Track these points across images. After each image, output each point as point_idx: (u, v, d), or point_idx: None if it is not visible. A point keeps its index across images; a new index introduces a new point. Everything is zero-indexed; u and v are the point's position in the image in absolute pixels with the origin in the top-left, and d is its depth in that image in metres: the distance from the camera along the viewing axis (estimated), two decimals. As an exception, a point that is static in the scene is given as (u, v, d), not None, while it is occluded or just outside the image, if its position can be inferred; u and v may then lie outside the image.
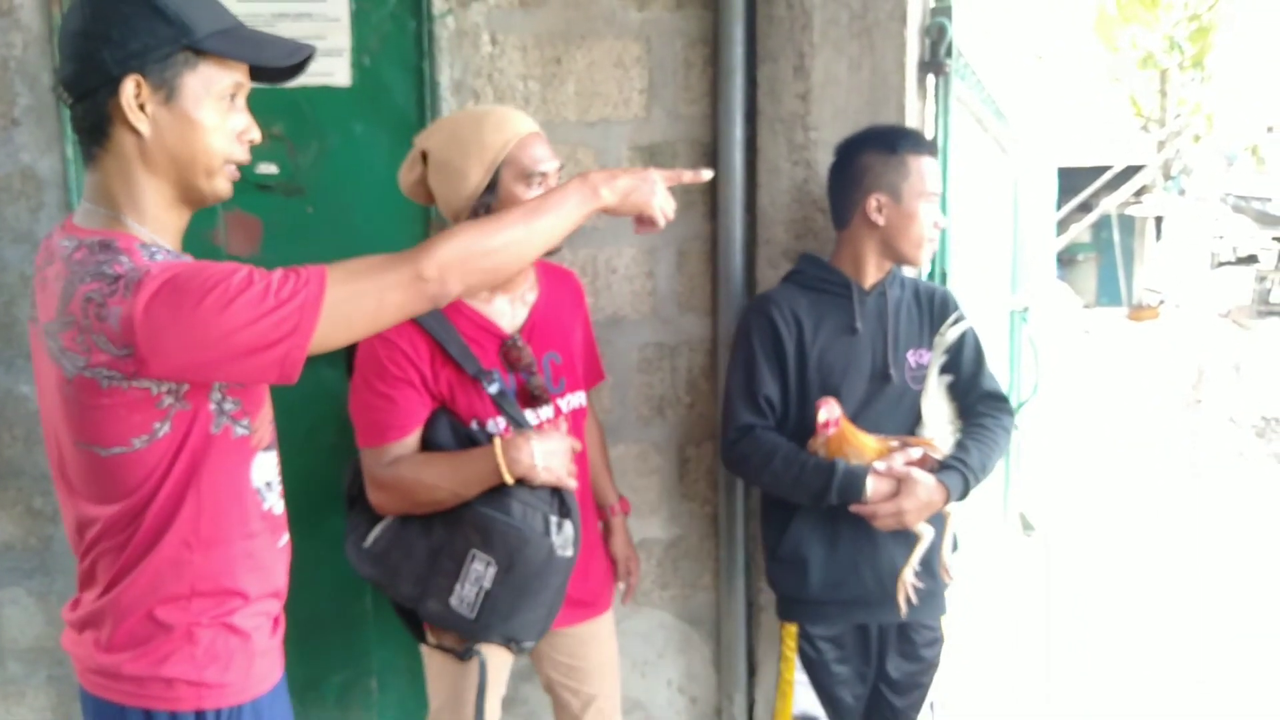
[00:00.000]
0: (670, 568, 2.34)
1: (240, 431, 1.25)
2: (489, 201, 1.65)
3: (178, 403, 1.18)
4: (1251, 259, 16.85)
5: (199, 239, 2.01)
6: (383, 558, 1.72)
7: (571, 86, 2.20)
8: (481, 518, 1.63)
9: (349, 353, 1.75)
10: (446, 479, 1.64)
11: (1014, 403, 4.21)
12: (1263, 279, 16.27)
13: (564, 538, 1.68)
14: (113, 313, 1.10)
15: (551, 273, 1.89)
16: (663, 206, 1.48)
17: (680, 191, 2.22)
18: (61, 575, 2.26)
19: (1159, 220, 17.05)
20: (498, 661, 1.81)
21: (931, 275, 2.26)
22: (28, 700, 2.31)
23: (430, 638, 1.80)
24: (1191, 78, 15.52)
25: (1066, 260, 16.65)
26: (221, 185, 1.26)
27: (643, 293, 2.24)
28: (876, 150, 1.85)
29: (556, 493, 1.68)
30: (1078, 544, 4.97)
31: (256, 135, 1.27)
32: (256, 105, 1.27)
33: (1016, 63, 4.48)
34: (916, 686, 1.95)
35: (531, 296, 1.80)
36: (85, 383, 1.14)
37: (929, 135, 2.21)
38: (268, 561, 1.32)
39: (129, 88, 1.16)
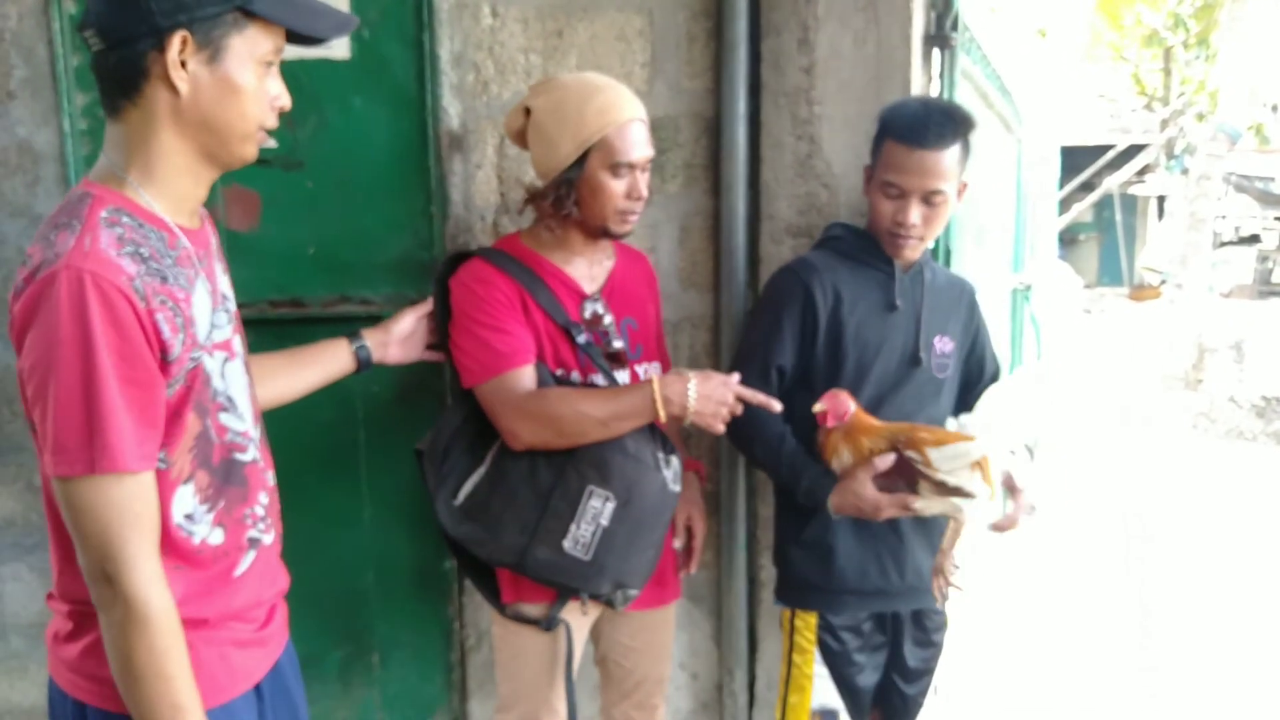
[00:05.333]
0: (671, 545, 2.34)
1: (158, 465, 1.17)
2: (572, 177, 1.69)
3: None
4: (1254, 239, 16.81)
5: (197, 213, 2.00)
6: (480, 511, 1.70)
7: (573, 60, 2.17)
8: (597, 452, 1.65)
9: (442, 304, 1.80)
10: (599, 409, 1.63)
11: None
12: (1265, 259, 16.22)
13: (673, 472, 1.72)
14: (18, 286, 1.09)
15: (626, 250, 1.93)
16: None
17: (683, 167, 2.21)
18: (62, 551, 2.26)
19: (1161, 199, 16.99)
20: (575, 640, 1.82)
21: (935, 252, 2.24)
22: (30, 675, 2.32)
23: (509, 610, 1.79)
24: (1196, 55, 15.42)
25: (1068, 239, 16.62)
26: (251, 150, 1.22)
27: (645, 269, 2.22)
28: (880, 121, 1.80)
29: (658, 432, 1.71)
30: (1079, 524, 4.98)
31: (287, 102, 1.24)
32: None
33: (1021, 39, 4.45)
34: (927, 672, 1.94)
35: (609, 263, 1.85)
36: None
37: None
38: (212, 588, 1.24)
39: (175, 44, 1.11)
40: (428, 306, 1.82)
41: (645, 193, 1.73)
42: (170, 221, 1.18)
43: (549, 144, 1.70)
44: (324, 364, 1.72)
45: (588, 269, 1.81)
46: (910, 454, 1.65)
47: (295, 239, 2.18)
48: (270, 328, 2.17)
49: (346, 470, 2.26)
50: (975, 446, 1.62)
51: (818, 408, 1.69)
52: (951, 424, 1.84)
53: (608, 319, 1.78)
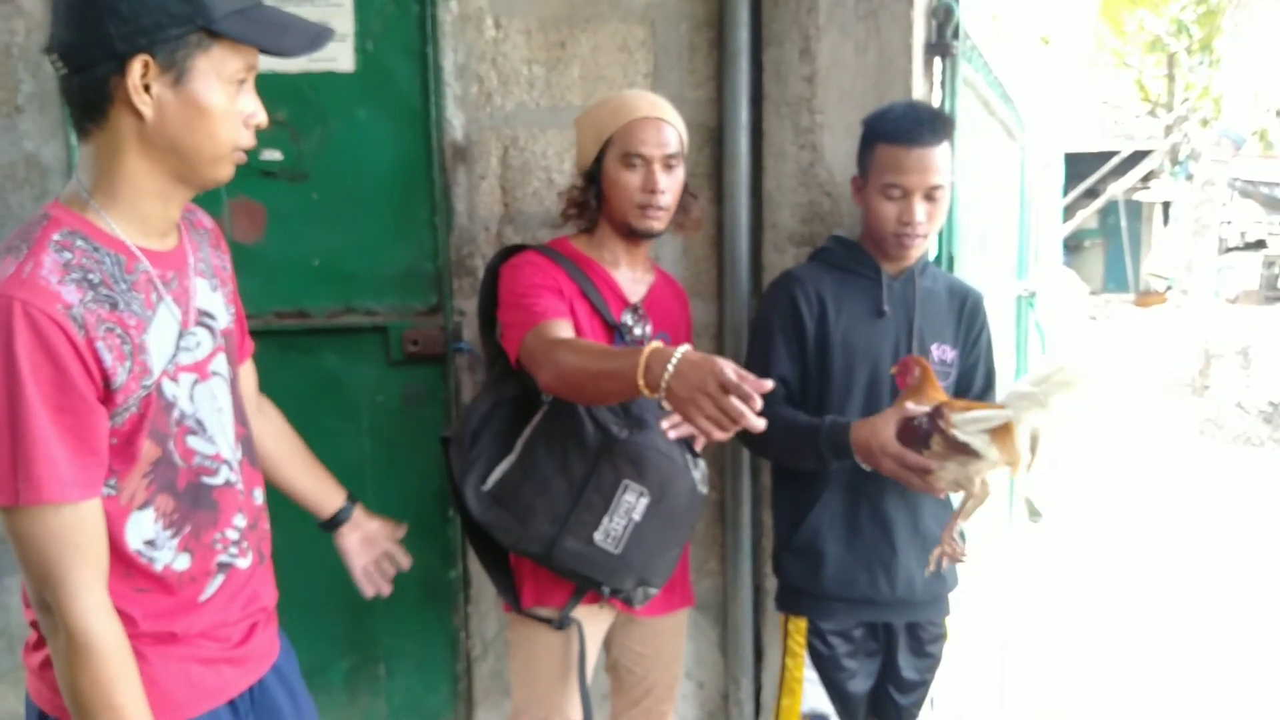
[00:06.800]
0: (676, 553, 2.34)
1: (105, 492, 1.14)
2: (594, 173, 1.81)
3: None
4: (1260, 244, 16.78)
5: (203, 225, 2.01)
6: (511, 498, 1.71)
7: (576, 70, 2.18)
8: (634, 448, 1.67)
9: (488, 294, 1.85)
10: (593, 364, 1.52)
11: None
12: (1271, 264, 16.20)
13: (701, 474, 1.76)
14: None
15: (664, 274, 1.98)
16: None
17: (686, 177, 2.21)
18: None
19: (1166, 206, 16.98)
20: (589, 642, 1.82)
21: (939, 260, 2.24)
22: (37, 686, 2.32)
23: (527, 610, 1.81)
24: (1199, 61, 15.41)
25: (1073, 246, 16.61)
26: (224, 171, 1.19)
27: (648, 278, 2.22)
28: (865, 129, 1.81)
29: (684, 440, 1.74)
30: (1084, 530, 4.97)
31: (263, 119, 1.20)
32: (259, 91, 1.23)
33: (1023, 46, 4.45)
34: (922, 684, 1.92)
35: (650, 279, 1.89)
36: None
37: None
38: (177, 611, 1.22)
39: (136, 68, 1.08)
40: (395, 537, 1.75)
41: (663, 188, 1.76)
42: (132, 245, 1.15)
43: (580, 149, 1.85)
44: (319, 486, 1.65)
45: (631, 280, 1.86)
46: (935, 408, 1.59)
47: (300, 250, 2.19)
48: (275, 338, 2.18)
49: (351, 480, 2.25)
50: (1000, 415, 1.54)
51: (894, 370, 1.70)
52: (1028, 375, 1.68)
53: (647, 329, 1.83)
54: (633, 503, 1.68)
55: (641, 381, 1.44)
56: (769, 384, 1.40)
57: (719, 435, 1.39)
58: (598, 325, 1.78)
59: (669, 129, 1.78)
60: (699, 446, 1.78)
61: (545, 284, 1.74)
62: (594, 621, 1.84)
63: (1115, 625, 3.78)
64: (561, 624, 1.77)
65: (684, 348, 1.45)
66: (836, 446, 1.69)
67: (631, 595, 1.75)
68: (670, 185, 1.78)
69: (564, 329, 1.68)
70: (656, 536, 1.70)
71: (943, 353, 1.85)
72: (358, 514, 1.69)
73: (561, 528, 1.68)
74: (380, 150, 2.18)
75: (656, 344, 1.49)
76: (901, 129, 1.73)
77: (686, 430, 1.71)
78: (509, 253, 1.86)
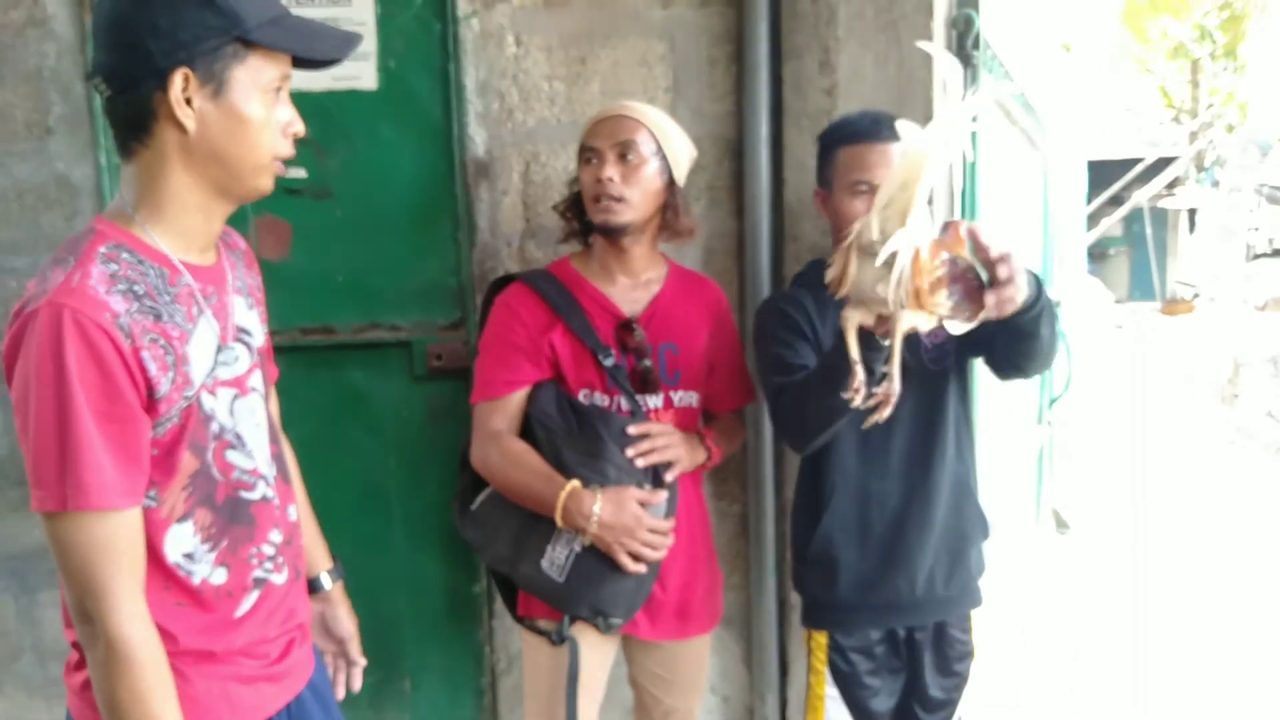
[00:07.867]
0: (700, 567, 2.32)
1: (146, 503, 1.15)
2: (575, 183, 1.85)
3: None
4: (1288, 250, 16.55)
5: (230, 244, 2.03)
6: (485, 519, 1.79)
7: (596, 86, 2.20)
8: (585, 475, 1.69)
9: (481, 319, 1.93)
10: (520, 483, 1.73)
11: (1046, 399, 4.17)
12: (1300, 270, 15.94)
13: (655, 509, 1.73)
14: (10, 319, 1.10)
15: (686, 276, 1.93)
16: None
17: (706, 189, 2.22)
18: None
19: (1192, 213, 16.78)
20: (593, 657, 1.81)
21: (961, 270, 2.23)
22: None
23: (525, 622, 1.85)
24: (1224, 67, 15.27)
25: (1097, 255, 16.44)
26: (266, 182, 1.21)
27: (670, 291, 2.22)
28: (822, 141, 1.82)
29: (653, 469, 1.74)
30: (1112, 542, 4.91)
31: (300, 128, 1.23)
32: (284, 109, 1.26)
33: (1045, 54, 4.44)
34: (949, 703, 1.89)
35: (655, 288, 1.86)
36: None
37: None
38: (214, 627, 1.23)
39: (178, 82, 1.11)
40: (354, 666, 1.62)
41: (609, 176, 1.73)
42: (175, 259, 1.18)
43: None
44: (309, 543, 1.51)
45: (629, 292, 1.83)
46: None
47: (325, 267, 2.21)
48: (301, 354, 2.20)
49: (377, 495, 2.29)
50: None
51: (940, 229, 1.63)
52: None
53: (643, 344, 1.80)
54: (574, 533, 1.69)
55: (560, 523, 1.67)
56: (670, 525, 1.74)
57: (635, 566, 1.69)
58: (580, 351, 1.77)
59: (626, 121, 1.75)
60: (669, 478, 1.76)
61: (512, 338, 1.77)
62: (597, 637, 1.82)
63: (1143, 636, 3.73)
64: (557, 640, 1.78)
65: (599, 496, 1.66)
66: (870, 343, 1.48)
67: (594, 623, 1.75)
68: (624, 175, 1.73)
69: (505, 412, 1.77)
70: (598, 566, 1.69)
71: (934, 336, 1.75)
72: (335, 591, 1.56)
73: (518, 551, 1.73)
74: (403, 167, 2.20)
75: (575, 485, 1.66)
76: (861, 129, 1.76)
77: (657, 458, 1.74)
78: (502, 283, 1.89)
